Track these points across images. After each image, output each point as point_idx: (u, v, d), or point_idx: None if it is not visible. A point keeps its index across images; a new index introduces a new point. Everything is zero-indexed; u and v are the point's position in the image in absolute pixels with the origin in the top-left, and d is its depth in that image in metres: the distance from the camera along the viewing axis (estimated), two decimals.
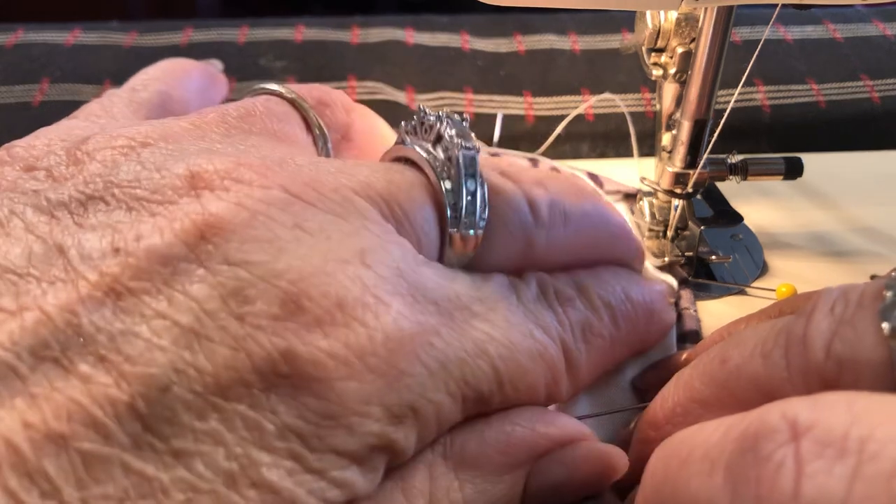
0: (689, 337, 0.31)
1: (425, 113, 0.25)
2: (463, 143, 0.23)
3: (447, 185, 0.23)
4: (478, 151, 0.23)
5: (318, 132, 0.27)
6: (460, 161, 0.23)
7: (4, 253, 0.18)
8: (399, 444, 0.19)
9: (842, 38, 0.51)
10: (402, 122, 0.25)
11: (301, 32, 0.52)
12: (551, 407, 0.25)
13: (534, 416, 0.23)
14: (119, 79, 0.48)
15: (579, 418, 0.25)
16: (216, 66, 0.38)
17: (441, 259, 0.23)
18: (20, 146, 0.22)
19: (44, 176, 0.21)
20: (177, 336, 0.17)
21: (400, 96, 0.47)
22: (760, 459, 0.16)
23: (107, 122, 0.27)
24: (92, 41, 0.51)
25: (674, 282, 0.33)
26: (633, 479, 0.23)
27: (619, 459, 0.23)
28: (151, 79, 0.32)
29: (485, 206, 0.23)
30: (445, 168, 0.23)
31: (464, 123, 0.24)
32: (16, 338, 0.17)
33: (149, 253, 0.18)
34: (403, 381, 0.19)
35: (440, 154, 0.23)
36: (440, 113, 0.24)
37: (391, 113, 0.41)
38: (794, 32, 0.52)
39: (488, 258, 0.24)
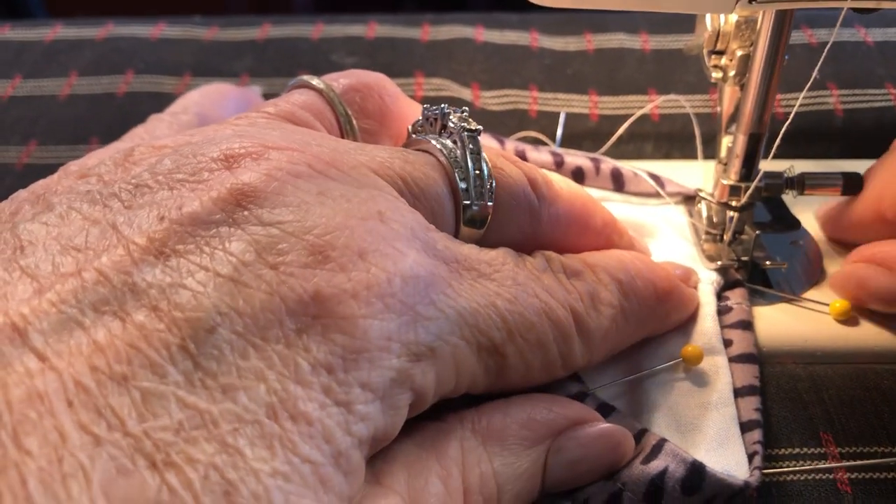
0: (740, 325, 0.31)
1: (429, 109, 0.28)
2: (465, 127, 0.26)
3: (456, 162, 0.26)
4: (479, 133, 0.26)
5: (343, 118, 0.29)
6: (465, 141, 0.26)
7: (68, 236, 0.21)
8: (417, 379, 0.22)
9: None
10: (410, 125, 0.28)
11: (374, 29, 0.53)
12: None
13: (551, 399, 0.26)
14: (198, 71, 0.50)
15: (605, 385, 0.29)
16: (255, 91, 0.41)
17: (456, 235, 0.26)
18: (74, 164, 0.25)
19: (95, 180, 0.23)
20: (219, 284, 0.20)
21: (465, 93, 0.47)
22: None
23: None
24: (175, 35, 0.54)
25: (713, 275, 0.33)
26: None
27: (627, 440, 0.26)
28: (191, 102, 0.35)
29: (491, 179, 0.26)
30: (453, 150, 0.26)
31: (464, 113, 0.27)
32: (79, 296, 0.19)
33: (191, 218, 0.21)
34: (421, 322, 0.22)
35: (447, 140, 0.26)
36: (443, 106, 0.27)
37: None
38: (875, 35, 0.50)
39: (499, 231, 0.26)
